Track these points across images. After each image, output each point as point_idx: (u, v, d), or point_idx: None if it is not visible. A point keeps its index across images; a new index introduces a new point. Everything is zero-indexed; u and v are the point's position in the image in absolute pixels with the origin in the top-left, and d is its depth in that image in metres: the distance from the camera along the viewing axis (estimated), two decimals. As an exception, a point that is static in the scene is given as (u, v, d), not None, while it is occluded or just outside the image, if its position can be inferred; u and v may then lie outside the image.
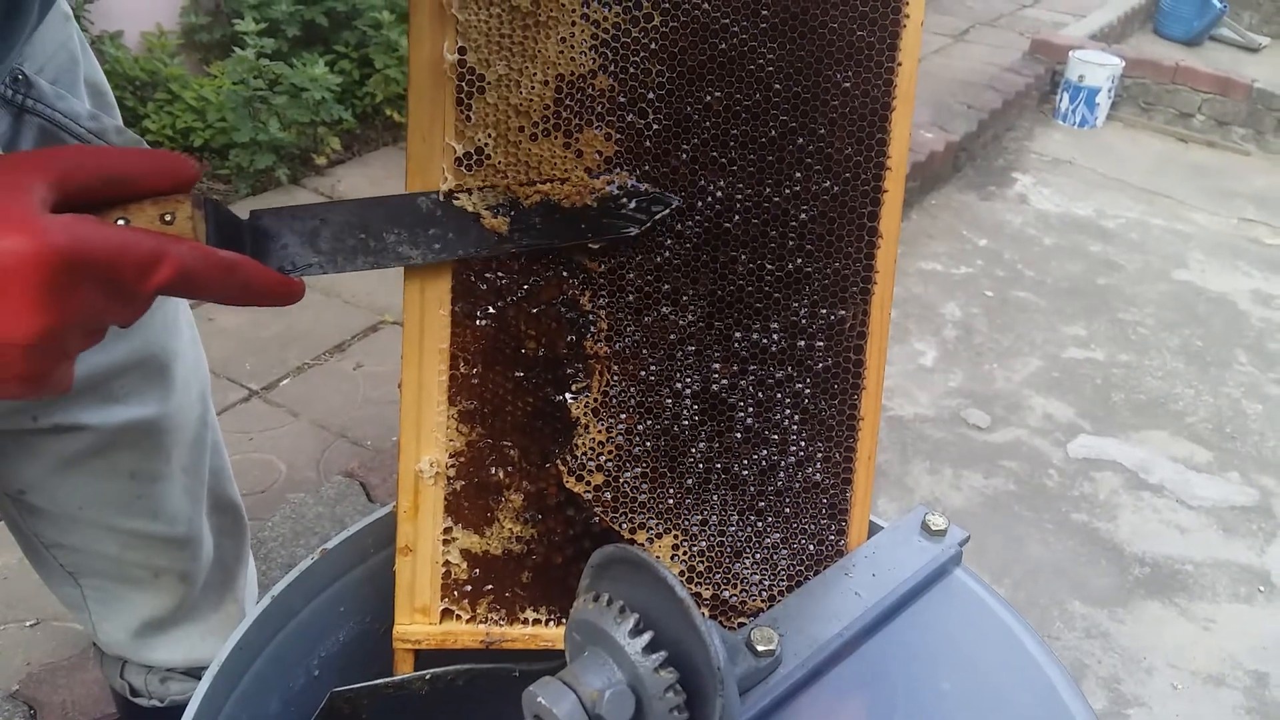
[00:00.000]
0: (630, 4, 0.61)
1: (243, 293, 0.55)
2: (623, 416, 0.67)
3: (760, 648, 0.61)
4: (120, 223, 0.51)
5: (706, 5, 0.62)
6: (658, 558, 0.68)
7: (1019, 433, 2.53)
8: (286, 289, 0.57)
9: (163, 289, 0.50)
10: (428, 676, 0.69)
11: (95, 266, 0.47)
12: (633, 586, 0.52)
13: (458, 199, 0.61)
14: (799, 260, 0.66)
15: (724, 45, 0.63)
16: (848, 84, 0.64)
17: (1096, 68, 4.27)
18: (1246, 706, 1.86)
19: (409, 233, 0.61)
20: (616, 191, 0.63)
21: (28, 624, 1.68)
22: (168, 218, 0.52)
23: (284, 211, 0.59)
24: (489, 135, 0.62)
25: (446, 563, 0.67)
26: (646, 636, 0.50)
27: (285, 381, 2.34)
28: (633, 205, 0.63)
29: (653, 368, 0.66)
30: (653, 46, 0.62)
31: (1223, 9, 5.36)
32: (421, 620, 0.68)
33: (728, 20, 0.62)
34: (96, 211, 0.50)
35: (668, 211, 0.63)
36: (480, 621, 0.68)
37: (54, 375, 0.49)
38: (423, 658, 0.69)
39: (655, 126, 0.63)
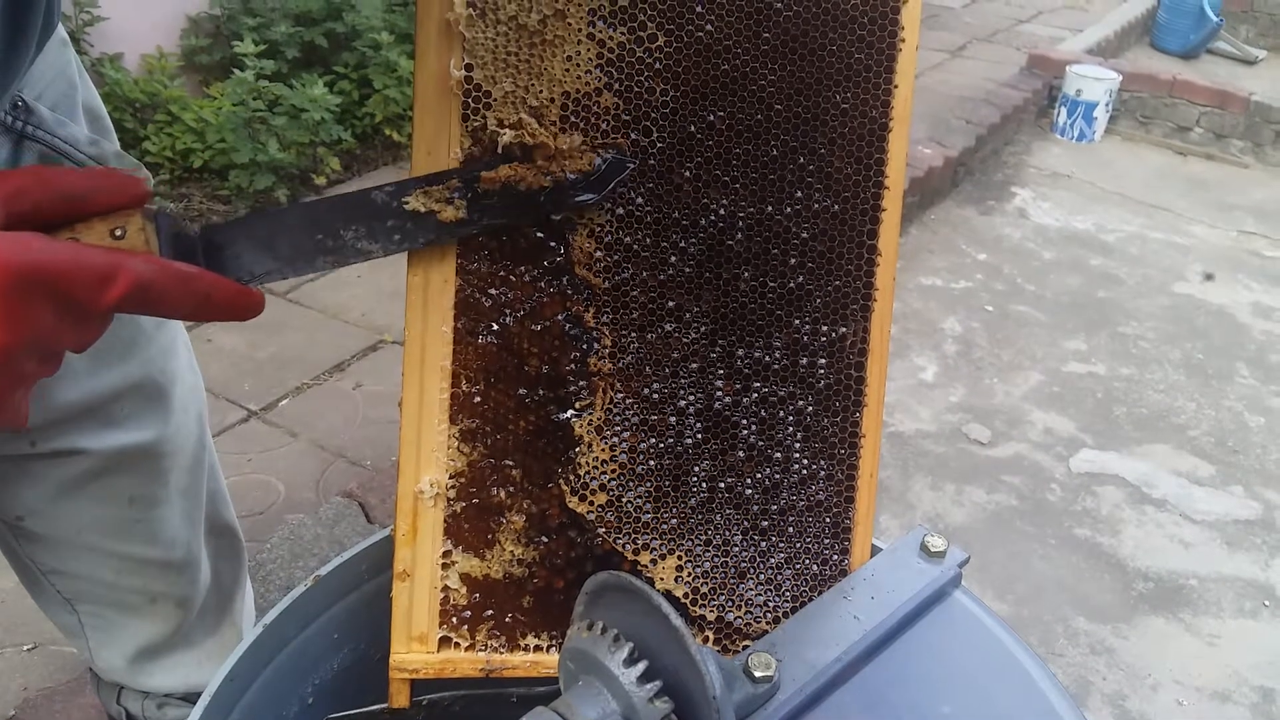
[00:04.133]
0: (635, 25, 0.61)
1: (202, 305, 0.53)
2: (626, 435, 0.66)
3: (758, 674, 0.60)
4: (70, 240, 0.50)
5: (710, 27, 0.62)
6: (662, 579, 0.67)
7: (1020, 447, 2.52)
8: (247, 300, 0.55)
9: (118, 304, 0.48)
10: (424, 702, 0.68)
11: (47, 283, 0.46)
12: (627, 614, 0.51)
13: (407, 202, 0.60)
14: (800, 278, 0.66)
15: (726, 66, 0.63)
16: (846, 105, 0.65)
17: (1094, 82, 4.28)
18: (1254, 723, 1.85)
19: (366, 227, 0.60)
20: (571, 180, 0.62)
21: (25, 648, 1.67)
22: (118, 233, 0.51)
23: (236, 222, 0.58)
24: (494, 151, 0.62)
25: (445, 588, 0.67)
26: (641, 666, 0.49)
27: (284, 402, 2.34)
28: (592, 176, 0.62)
29: (656, 385, 0.66)
30: (657, 66, 0.62)
31: (1219, 22, 5.39)
32: (419, 649, 0.67)
33: (730, 42, 0.62)
34: (46, 232, 0.49)
35: (625, 175, 0.62)
36: (480, 649, 0.67)
37: (7, 404, 0.47)
38: (419, 681, 0.68)
39: (659, 144, 0.63)
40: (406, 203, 0.60)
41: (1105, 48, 5.13)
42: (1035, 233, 3.63)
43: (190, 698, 1.05)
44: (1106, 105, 4.36)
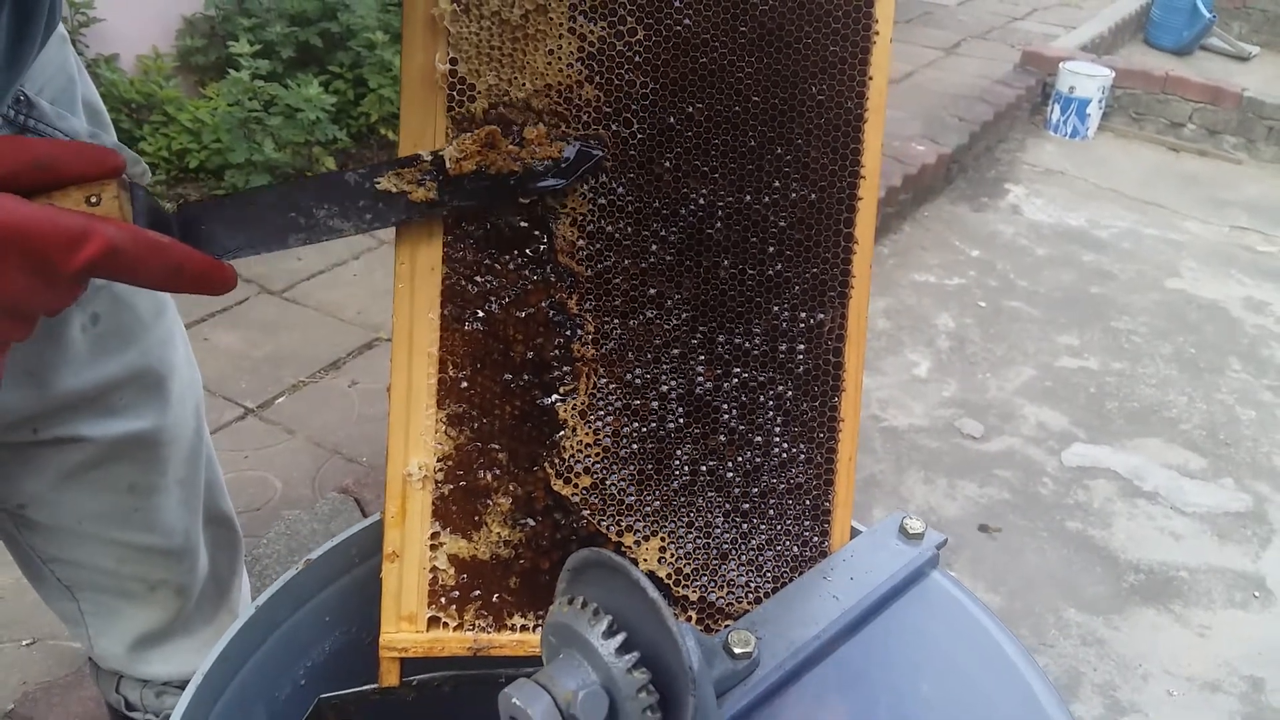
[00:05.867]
0: (615, 19, 0.63)
1: (174, 275, 0.53)
2: (609, 419, 0.68)
3: (737, 650, 0.62)
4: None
5: (688, 21, 0.64)
6: (645, 560, 0.69)
7: (1013, 442, 2.54)
8: (220, 274, 0.56)
9: (89, 267, 0.49)
10: (414, 683, 0.69)
11: (19, 242, 0.46)
12: (608, 590, 0.52)
13: (379, 181, 0.62)
14: (779, 265, 0.68)
15: (705, 59, 0.64)
16: (822, 96, 0.66)
17: (1087, 79, 4.30)
18: (1243, 713, 1.86)
19: (339, 206, 0.61)
20: (541, 169, 0.63)
21: (24, 643, 1.69)
22: (93, 199, 0.52)
23: (212, 200, 0.59)
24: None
25: (434, 568, 0.68)
26: (619, 638, 0.51)
27: (281, 399, 2.35)
28: (560, 163, 0.64)
29: (638, 370, 0.67)
30: (637, 59, 0.64)
31: (1212, 19, 5.41)
32: (408, 628, 0.69)
33: (708, 35, 0.64)
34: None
35: (592, 163, 0.64)
36: (468, 629, 0.69)
37: None
38: (409, 663, 0.70)
39: (640, 136, 0.65)
40: (379, 183, 0.62)
41: (1099, 44, 5.14)
42: (1028, 229, 3.64)
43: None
44: (1100, 102, 4.38)
